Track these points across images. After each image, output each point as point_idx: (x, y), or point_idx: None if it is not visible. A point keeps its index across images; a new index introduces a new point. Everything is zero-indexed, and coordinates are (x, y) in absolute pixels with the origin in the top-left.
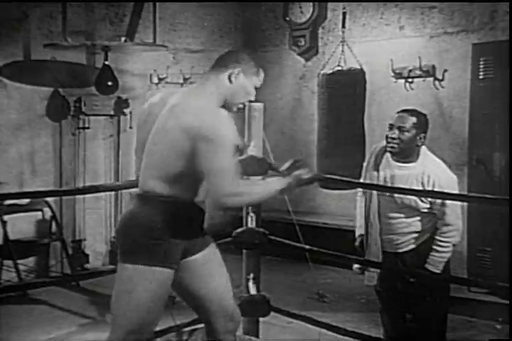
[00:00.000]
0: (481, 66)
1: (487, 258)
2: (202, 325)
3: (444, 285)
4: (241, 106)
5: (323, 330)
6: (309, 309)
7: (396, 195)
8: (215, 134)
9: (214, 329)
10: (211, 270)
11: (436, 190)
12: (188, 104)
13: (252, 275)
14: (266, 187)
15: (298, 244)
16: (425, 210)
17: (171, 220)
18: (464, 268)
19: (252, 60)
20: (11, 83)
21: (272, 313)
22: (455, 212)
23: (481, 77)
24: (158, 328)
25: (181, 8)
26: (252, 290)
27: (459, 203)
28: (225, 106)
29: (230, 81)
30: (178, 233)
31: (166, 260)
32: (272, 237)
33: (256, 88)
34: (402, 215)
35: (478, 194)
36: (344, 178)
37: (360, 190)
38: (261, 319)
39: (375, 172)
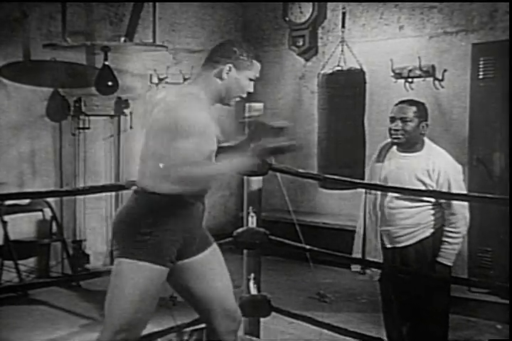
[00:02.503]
0: (481, 66)
1: (487, 258)
2: (202, 325)
3: (444, 284)
4: (238, 99)
5: (324, 330)
6: (310, 309)
7: (398, 183)
8: (175, 123)
9: (215, 330)
10: (212, 271)
11: (442, 177)
12: (165, 102)
13: (252, 276)
14: (216, 167)
15: (298, 244)
16: (431, 199)
17: (160, 216)
18: (464, 268)
19: (244, 53)
20: (11, 83)
21: (273, 313)
22: (461, 202)
23: (480, 76)
24: (158, 328)
25: (181, 8)
26: (253, 291)
27: (464, 192)
28: (222, 101)
29: (222, 77)
30: (169, 228)
31: (155, 256)
32: (273, 237)
33: (253, 79)
34: (404, 204)
35: (478, 193)
36: (344, 178)
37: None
38: (262, 319)
39: (380, 163)
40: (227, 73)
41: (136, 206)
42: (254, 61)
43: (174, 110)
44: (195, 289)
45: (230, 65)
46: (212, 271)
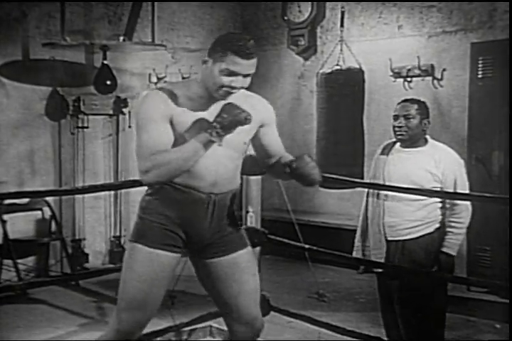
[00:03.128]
0: (480, 65)
1: (487, 258)
2: (202, 325)
3: (442, 283)
4: (224, 93)
5: (323, 330)
6: (309, 308)
7: (404, 172)
8: (136, 117)
9: (232, 333)
10: (236, 275)
11: (448, 169)
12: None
13: None
14: (183, 149)
15: (297, 244)
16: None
17: (151, 201)
18: (463, 268)
19: (221, 44)
20: (10, 82)
21: (272, 313)
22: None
23: (479, 76)
24: (157, 328)
25: (180, 8)
26: None
27: (466, 184)
28: (210, 94)
29: (203, 66)
30: (160, 213)
31: (147, 239)
32: (272, 236)
33: (236, 74)
34: (411, 196)
35: (477, 193)
36: (344, 177)
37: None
38: None
39: (384, 156)
40: (206, 64)
41: (146, 194)
42: (230, 53)
43: (135, 107)
44: (216, 290)
45: (207, 56)
46: (236, 276)
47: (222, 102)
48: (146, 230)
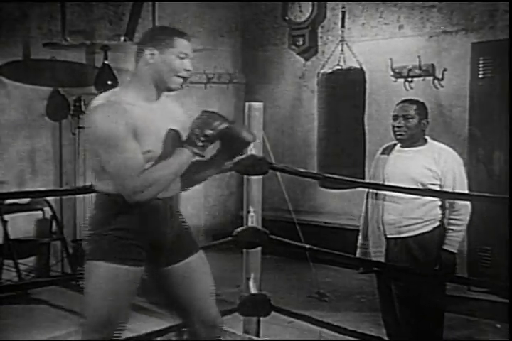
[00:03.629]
0: (481, 65)
1: (487, 257)
2: None
3: (440, 282)
4: (180, 80)
5: (324, 329)
6: (310, 308)
7: (403, 170)
8: (96, 133)
9: (194, 335)
10: (193, 278)
11: (447, 166)
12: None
13: (252, 275)
14: (170, 164)
15: (298, 243)
16: (436, 187)
17: (108, 215)
18: (463, 267)
19: (161, 33)
20: (11, 82)
21: (273, 313)
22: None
23: (480, 76)
24: (158, 328)
25: (180, 8)
26: (253, 290)
27: (465, 182)
28: (159, 87)
29: (148, 63)
30: (119, 228)
31: (108, 254)
32: (273, 236)
33: (183, 57)
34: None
35: (478, 192)
36: (344, 177)
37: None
38: (261, 318)
39: (385, 155)
40: (152, 57)
41: (93, 208)
42: (176, 37)
43: (88, 119)
44: (175, 296)
45: (151, 48)
46: (193, 279)
47: (198, 112)
48: (105, 246)
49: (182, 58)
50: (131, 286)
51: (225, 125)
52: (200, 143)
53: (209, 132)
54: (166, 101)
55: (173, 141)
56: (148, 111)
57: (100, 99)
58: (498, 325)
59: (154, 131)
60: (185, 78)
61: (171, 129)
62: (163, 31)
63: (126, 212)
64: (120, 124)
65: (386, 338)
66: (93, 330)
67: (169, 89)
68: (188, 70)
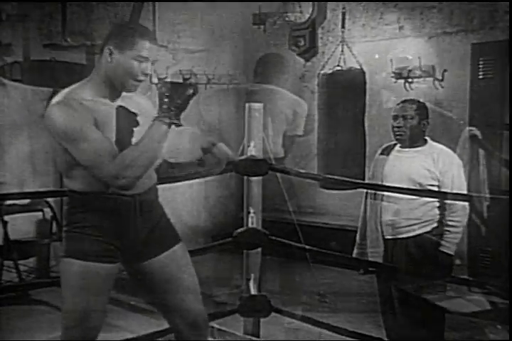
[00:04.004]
0: (481, 66)
1: (487, 258)
2: None
3: (447, 274)
4: (137, 83)
5: (324, 330)
6: (310, 309)
7: (402, 170)
8: (56, 132)
9: (178, 335)
10: (173, 272)
11: (446, 167)
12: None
13: (252, 276)
14: (145, 141)
15: (298, 244)
16: (434, 188)
17: (77, 213)
18: (464, 268)
19: (124, 31)
20: (11, 83)
21: (273, 314)
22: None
23: (480, 76)
24: (158, 328)
25: (181, 8)
26: (253, 291)
27: (464, 183)
28: (116, 87)
29: (107, 61)
30: (87, 225)
31: (80, 252)
32: (273, 237)
33: (141, 60)
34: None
35: (478, 193)
36: (345, 178)
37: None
38: (262, 319)
39: (384, 156)
40: (110, 57)
41: (65, 205)
42: (138, 39)
43: (46, 116)
44: (154, 291)
45: (110, 47)
46: (171, 274)
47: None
48: (77, 244)
49: (141, 62)
50: (105, 283)
51: (191, 91)
52: (172, 112)
53: (178, 101)
54: (132, 96)
55: (130, 124)
56: (108, 107)
57: (57, 96)
58: (499, 326)
59: (115, 122)
60: (141, 81)
61: (124, 109)
62: (124, 30)
63: (93, 209)
64: (77, 117)
65: (386, 339)
66: (71, 326)
67: (127, 91)
68: (146, 74)
